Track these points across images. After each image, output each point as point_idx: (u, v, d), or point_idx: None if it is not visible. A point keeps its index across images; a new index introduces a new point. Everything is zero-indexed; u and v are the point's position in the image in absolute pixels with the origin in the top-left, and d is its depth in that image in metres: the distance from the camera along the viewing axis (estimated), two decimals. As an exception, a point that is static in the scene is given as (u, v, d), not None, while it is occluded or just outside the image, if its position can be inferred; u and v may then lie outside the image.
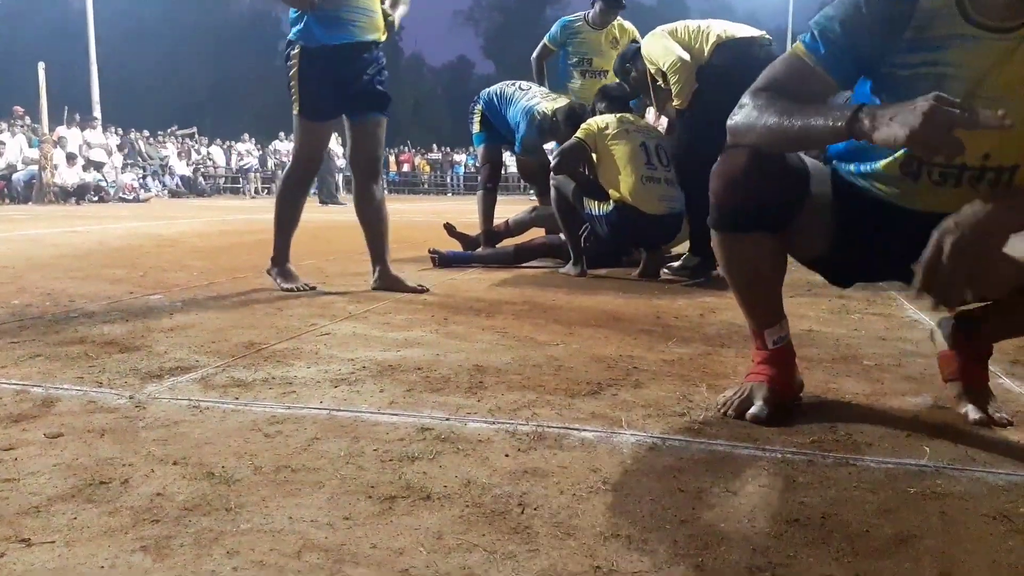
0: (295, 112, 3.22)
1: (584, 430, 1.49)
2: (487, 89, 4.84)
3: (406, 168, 28.08)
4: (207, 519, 1.08)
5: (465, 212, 5.88)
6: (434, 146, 29.88)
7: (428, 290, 3.27)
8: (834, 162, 1.60)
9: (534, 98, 4.52)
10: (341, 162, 16.11)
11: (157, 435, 1.44)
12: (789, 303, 1.68)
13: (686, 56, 3.56)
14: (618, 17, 4.95)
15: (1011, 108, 1.36)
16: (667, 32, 3.68)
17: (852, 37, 1.40)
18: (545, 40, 5.09)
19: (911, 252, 1.54)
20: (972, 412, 1.59)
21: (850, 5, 1.41)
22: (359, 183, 3.33)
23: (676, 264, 3.92)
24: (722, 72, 3.44)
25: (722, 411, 1.61)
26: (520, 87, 4.70)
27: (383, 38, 3.29)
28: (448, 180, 27.95)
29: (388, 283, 3.31)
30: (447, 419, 1.55)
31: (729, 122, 1.47)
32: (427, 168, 28.52)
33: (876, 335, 2.45)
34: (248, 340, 2.28)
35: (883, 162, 1.48)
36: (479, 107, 4.77)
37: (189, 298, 3.05)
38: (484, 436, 1.45)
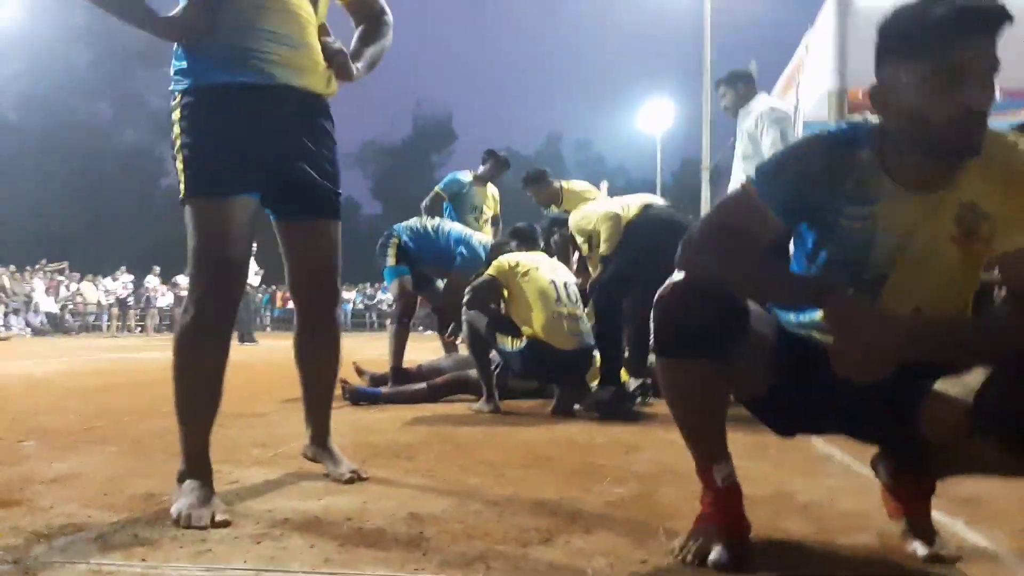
0: (181, 196, 1.93)
1: (545, 583, 1.38)
2: (404, 224, 4.94)
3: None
4: None
5: (355, 350, 5.57)
6: (321, 283, 29.32)
7: (367, 478, 2.22)
8: (775, 311, 1.64)
9: (466, 230, 5.00)
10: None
11: (54, 610, 1.23)
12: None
13: (619, 211, 4.10)
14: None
15: (938, 264, 1.44)
16: (598, 203, 4.50)
17: (797, 182, 1.46)
18: (439, 190, 5.81)
19: (850, 400, 1.56)
20: (920, 549, 1.58)
21: (795, 152, 1.49)
22: (302, 312, 2.31)
23: (586, 401, 3.90)
24: (646, 227, 3.99)
25: (680, 557, 1.53)
26: (442, 220, 5.14)
27: (329, 90, 2.10)
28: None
29: (321, 457, 2.31)
30: (393, 577, 1.40)
31: (687, 253, 1.49)
32: (313, 305, 27.91)
33: (798, 470, 2.46)
34: (146, 491, 2.05)
35: (821, 313, 1.52)
36: (395, 239, 4.78)
37: (69, 444, 2.76)
38: (439, 595, 1.31)
